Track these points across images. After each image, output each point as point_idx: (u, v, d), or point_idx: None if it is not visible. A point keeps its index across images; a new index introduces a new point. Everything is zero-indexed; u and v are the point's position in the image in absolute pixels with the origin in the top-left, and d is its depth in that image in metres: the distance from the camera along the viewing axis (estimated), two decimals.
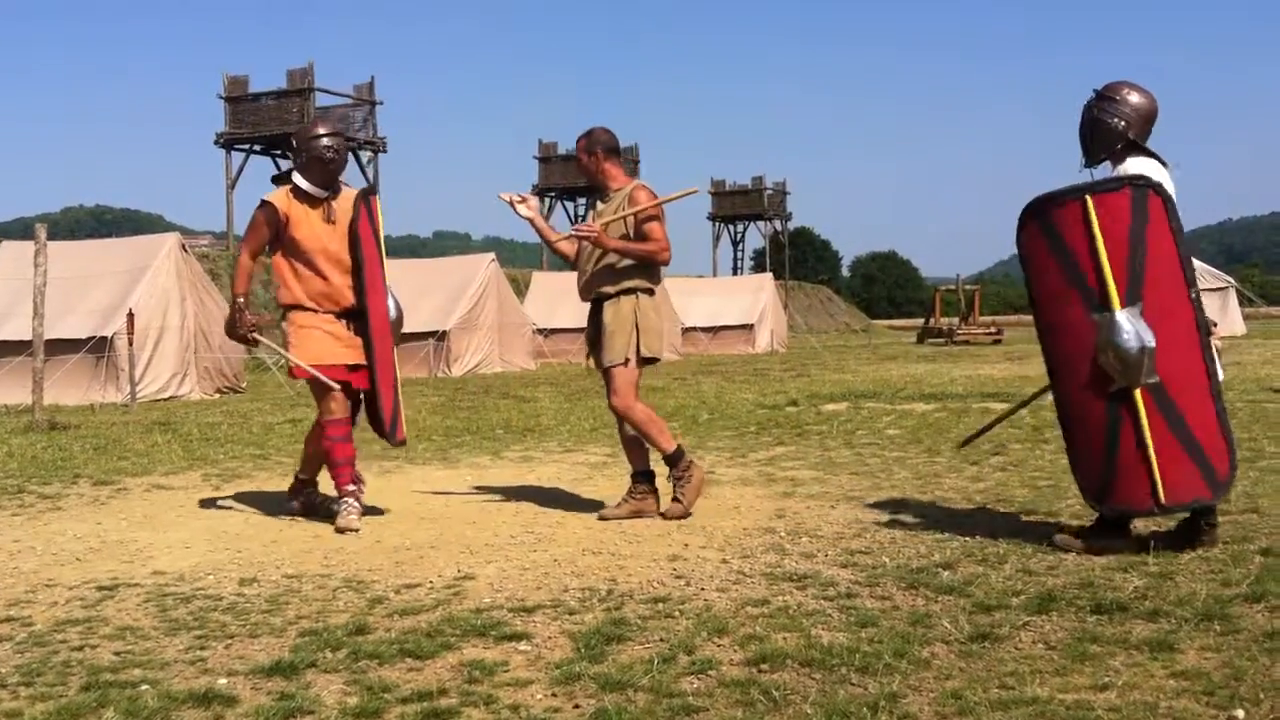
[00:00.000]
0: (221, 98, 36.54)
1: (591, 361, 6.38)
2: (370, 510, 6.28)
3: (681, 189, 6.35)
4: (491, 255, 25.99)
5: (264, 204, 6.33)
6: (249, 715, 3.19)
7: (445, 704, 3.25)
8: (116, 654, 3.80)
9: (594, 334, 6.21)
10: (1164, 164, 5.15)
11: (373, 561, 5.17)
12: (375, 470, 8.18)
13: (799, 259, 78.89)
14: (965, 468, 7.62)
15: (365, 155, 37.44)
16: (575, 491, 7.08)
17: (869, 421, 10.83)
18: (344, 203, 6.39)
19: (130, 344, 15.47)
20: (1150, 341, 4.79)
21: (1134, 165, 5.07)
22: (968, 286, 44.99)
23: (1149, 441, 4.81)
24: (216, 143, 36.72)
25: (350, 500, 6.13)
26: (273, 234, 6.28)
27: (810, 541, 5.37)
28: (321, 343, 6.23)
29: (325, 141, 6.33)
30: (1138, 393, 4.83)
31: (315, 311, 6.27)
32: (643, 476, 6.16)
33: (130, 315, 15.44)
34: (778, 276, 48.44)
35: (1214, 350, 4.96)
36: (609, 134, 6.30)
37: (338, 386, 6.18)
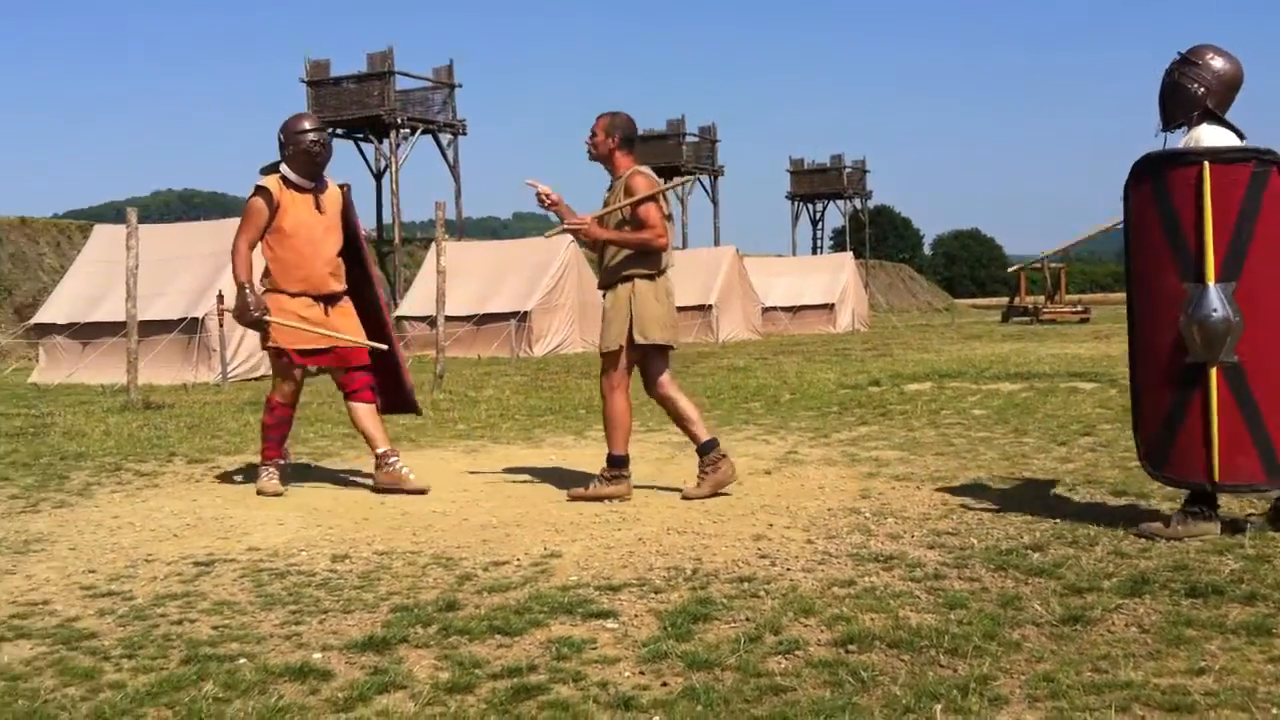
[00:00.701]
0: (304, 81, 36.95)
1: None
2: (455, 488, 6.37)
3: (678, 179, 6.28)
4: (570, 236, 26.06)
5: (259, 189, 6.62)
6: (344, 689, 3.26)
7: (535, 680, 3.29)
8: (214, 628, 3.90)
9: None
10: (1240, 135, 4.99)
11: (461, 539, 5.24)
12: (461, 449, 8.28)
13: (879, 237, 78.21)
14: (1054, 448, 7.52)
15: (445, 138, 37.70)
16: (658, 471, 7.11)
17: (954, 401, 10.72)
18: (331, 195, 6.75)
19: (220, 325, 15.79)
20: (1236, 319, 4.70)
21: (1207, 135, 4.93)
22: (1053, 265, 44.27)
23: (1214, 419, 4.74)
24: None
25: (269, 469, 6.64)
26: (268, 220, 6.57)
27: (896, 522, 5.35)
28: (295, 330, 6.56)
29: (311, 136, 6.61)
30: (1213, 370, 4.75)
31: (291, 296, 6.58)
32: (617, 461, 6.18)
33: (220, 296, 15.74)
34: (858, 255, 48.10)
35: None
36: (630, 122, 6.33)
37: (298, 378, 6.72)
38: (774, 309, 33.68)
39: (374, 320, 6.91)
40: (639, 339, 6.14)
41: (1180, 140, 5.00)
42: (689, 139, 50.42)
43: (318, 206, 6.64)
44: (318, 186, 6.70)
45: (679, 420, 6.34)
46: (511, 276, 24.17)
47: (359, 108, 35.97)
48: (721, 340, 27.61)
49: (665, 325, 6.21)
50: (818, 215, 64.76)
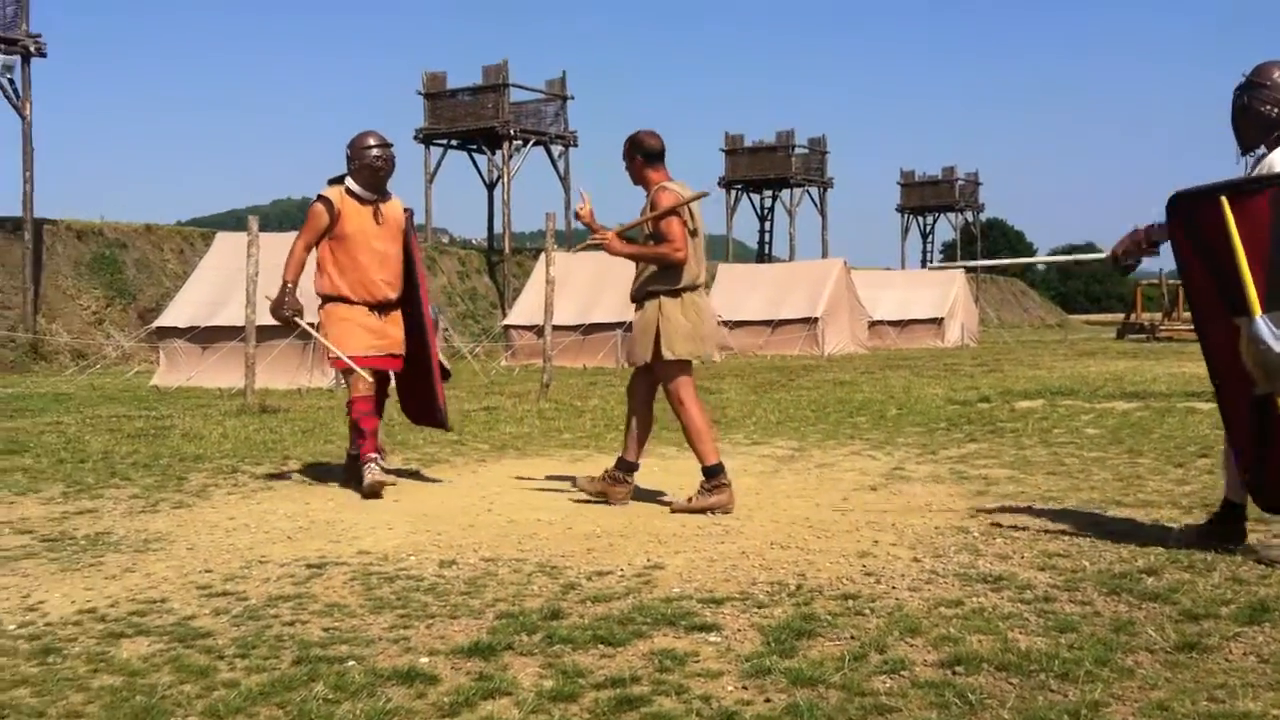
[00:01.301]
0: (420, 94, 37.62)
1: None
2: (559, 497, 6.42)
3: (697, 190, 6.36)
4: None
5: (321, 198, 7.02)
6: (450, 694, 3.30)
7: (638, 691, 3.30)
8: (325, 630, 3.98)
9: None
10: None
11: (565, 548, 5.27)
12: (566, 458, 8.34)
13: (991, 251, 76.94)
14: (1170, 470, 7.33)
15: (557, 149, 38.05)
16: (762, 484, 7.08)
17: (1066, 419, 10.51)
18: (393, 208, 7.12)
19: None
20: None
21: (1279, 160, 4.81)
22: (1171, 281, 43.14)
23: None
24: (416, 138, 37.83)
25: (373, 464, 6.76)
26: (327, 226, 6.93)
27: (1005, 542, 5.25)
28: (356, 335, 6.94)
29: (375, 151, 7.00)
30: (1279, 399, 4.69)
31: (351, 303, 6.96)
32: (713, 471, 6.19)
33: None
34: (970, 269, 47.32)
35: None
36: (652, 138, 6.41)
37: (370, 378, 6.90)
38: (881, 323, 33.33)
39: (418, 338, 7.21)
40: (666, 354, 6.22)
41: (1256, 166, 4.91)
42: (798, 151, 50.19)
43: (377, 218, 6.99)
44: (379, 199, 7.04)
45: (629, 429, 6.56)
46: (617, 286, 24.23)
47: (474, 120, 36.52)
48: (827, 353, 27.41)
49: (691, 339, 6.27)
50: (928, 228, 64.03)
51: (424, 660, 3.61)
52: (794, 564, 4.88)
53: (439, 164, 38.46)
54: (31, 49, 24.73)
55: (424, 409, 7.49)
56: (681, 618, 4.03)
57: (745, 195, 51.39)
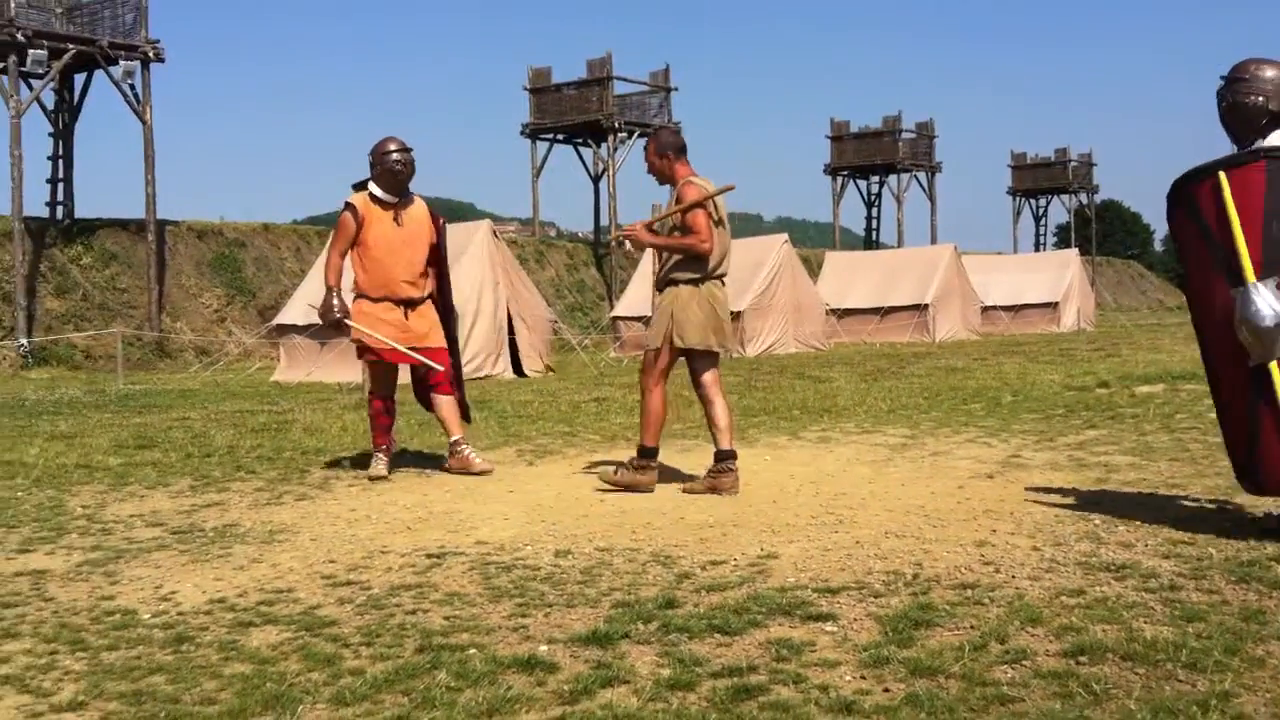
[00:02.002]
0: (526, 90, 37.96)
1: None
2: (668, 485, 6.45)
3: (721, 185, 6.54)
4: (784, 236, 26.00)
5: (347, 205, 7.39)
6: (569, 682, 3.34)
7: (755, 680, 3.30)
8: (446, 618, 4.06)
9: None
10: None
11: (678, 537, 5.30)
12: (676, 449, 8.36)
13: (1107, 233, 75.14)
14: None
15: None
16: (875, 473, 7.03)
17: (1189, 405, 10.23)
18: (415, 209, 7.48)
19: None
20: (1277, 314, 4.69)
21: (1277, 139, 4.90)
22: None
23: None
24: (522, 133, 38.20)
25: (379, 455, 7.38)
26: (355, 232, 7.33)
27: (1128, 530, 5.14)
28: (379, 329, 7.35)
29: (395, 156, 7.32)
30: (1274, 366, 4.75)
31: (375, 300, 7.36)
32: (647, 453, 6.54)
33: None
34: (1084, 252, 46.34)
35: None
36: (675, 135, 6.70)
37: (415, 355, 7.39)
38: (994, 308, 32.79)
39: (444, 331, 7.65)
40: (677, 342, 6.49)
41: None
42: (905, 135, 49.56)
43: (398, 220, 7.37)
44: (401, 202, 7.41)
45: (709, 422, 6.67)
46: (728, 275, 24.25)
47: (578, 113, 36.76)
48: (938, 340, 27.06)
49: (704, 330, 6.49)
50: (1040, 211, 62.76)
51: (543, 648, 3.66)
52: (910, 553, 4.84)
53: (545, 158, 38.80)
54: (150, 55, 25.52)
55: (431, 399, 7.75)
56: (797, 607, 4.02)
57: (852, 181, 50.89)
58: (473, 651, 3.64)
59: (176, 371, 22.87)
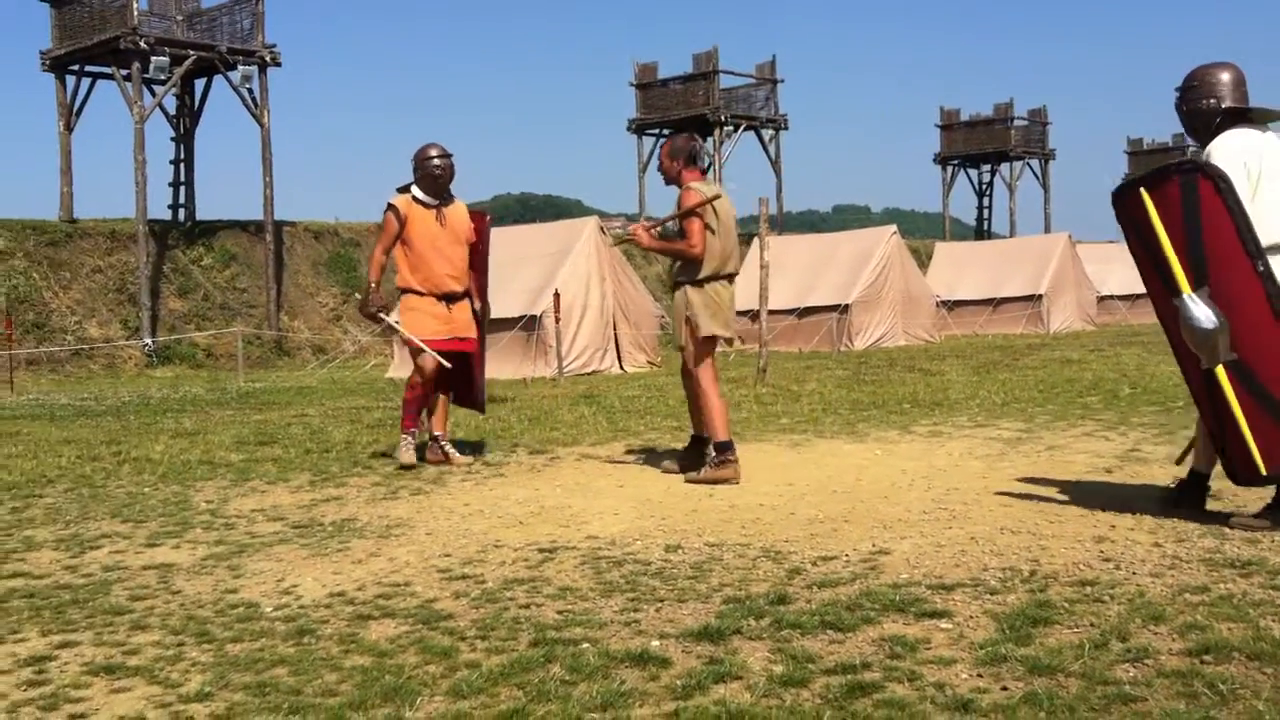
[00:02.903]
0: (632, 85, 38.06)
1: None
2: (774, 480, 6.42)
3: (709, 197, 6.78)
4: (893, 228, 25.71)
5: (390, 206, 7.85)
6: (682, 677, 3.35)
7: (869, 678, 3.28)
8: (559, 612, 4.10)
9: None
10: (1269, 119, 5.22)
11: (789, 533, 5.28)
12: (785, 443, 8.33)
13: None
14: None
15: (768, 133, 37.93)
16: (988, 468, 6.92)
17: None
18: (456, 211, 7.93)
19: (557, 322, 16.50)
20: (1219, 321, 4.90)
21: (1222, 141, 5.11)
22: None
23: (1240, 417, 4.95)
24: (628, 128, 38.31)
25: (407, 439, 7.78)
26: (398, 231, 7.78)
27: None
28: (425, 322, 7.84)
29: (435, 161, 7.82)
30: (1220, 370, 4.96)
31: (421, 295, 7.84)
32: (723, 447, 6.77)
33: (556, 295, 16.45)
34: None
35: None
36: (688, 141, 7.09)
37: (439, 359, 7.71)
38: (1110, 298, 32.02)
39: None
40: (702, 333, 6.84)
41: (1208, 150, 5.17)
42: (1018, 123, 48.59)
43: (440, 220, 7.82)
44: (442, 203, 7.87)
45: (694, 410, 7.10)
46: (832, 270, 24.08)
47: (685, 108, 36.74)
48: (1053, 331, 26.54)
49: (716, 318, 6.86)
50: None
51: (655, 643, 3.67)
52: (1026, 549, 4.76)
53: (652, 153, 38.81)
54: (268, 59, 26.13)
55: (463, 392, 8.29)
56: (911, 604, 3.98)
57: (962, 170, 50.05)
58: (586, 646, 3.67)
59: (295, 369, 23.41)
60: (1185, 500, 5.43)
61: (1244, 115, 5.22)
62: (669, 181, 7.09)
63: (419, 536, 5.50)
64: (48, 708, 3.33)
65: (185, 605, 4.41)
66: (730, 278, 6.96)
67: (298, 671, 3.55)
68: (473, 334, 8.04)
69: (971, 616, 3.84)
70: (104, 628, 4.12)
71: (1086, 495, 5.86)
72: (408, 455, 7.71)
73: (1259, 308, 4.88)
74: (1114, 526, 5.11)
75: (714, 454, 6.80)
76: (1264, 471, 4.97)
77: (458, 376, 8.00)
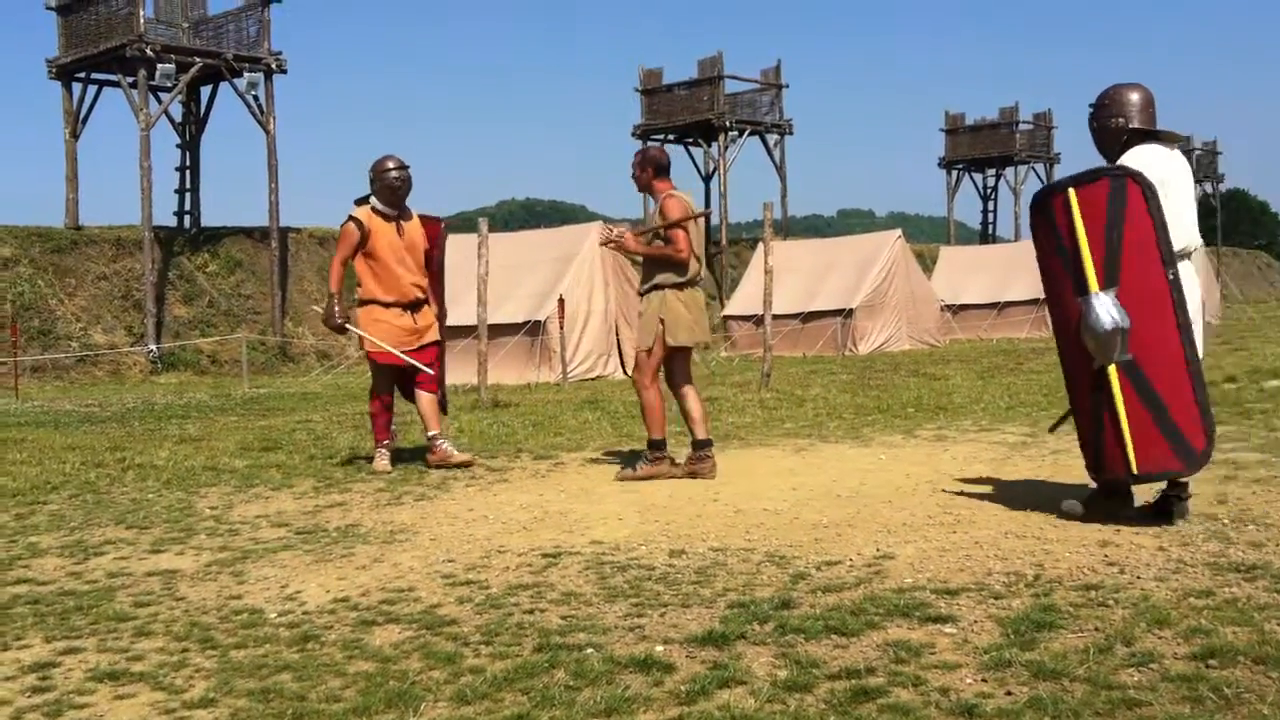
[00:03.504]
0: (638, 90, 38.09)
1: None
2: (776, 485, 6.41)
3: (696, 210, 7.20)
4: (898, 232, 25.70)
5: (351, 218, 7.96)
6: (686, 682, 3.35)
7: (873, 683, 3.28)
8: (563, 618, 4.09)
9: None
10: (1175, 142, 5.52)
11: (792, 537, 5.27)
12: (790, 448, 8.32)
13: (1233, 223, 72.81)
14: None
15: (772, 138, 37.93)
16: (993, 472, 6.91)
17: None
18: (412, 222, 8.13)
19: (561, 327, 16.50)
20: (1123, 322, 5.12)
21: (1132, 156, 5.32)
22: None
23: (1122, 415, 5.16)
24: (634, 134, 38.32)
25: (382, 450, 7.99)
26: (359, 242, 7.90)
27: (1257, 530, 4.99)
28: (393, 334, 7.97)
29: (393, 173, 7.96)
30: (1112, 369, 5.17)
31: (385, 305, 7.96)
32: (656, 444, 7.15)
33: (561, 301, 16.46)
34: (1209, 242, 44.94)
35: (1196, 329, 5.19)
36: (660, 152, 7.44)
37: (418, 365, 7.99)
38: None
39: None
40: (670, 341, 7.09)
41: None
42: (1023, 127, 48.58)
43: (399, 232, 8.00)
44: (400, 215, 8.05)
45: (686, 415, 7.25)
46: (836, 274, 24.06)
47: (690, 113, 36.78)
48: None
49: (692, 328, 7.15)
50: None
51: (659, 648, 3.67)
52: (1031, 554, 4.75)
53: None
54: (273, 66, 26.17)
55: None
56: (915, 608, 3.98)
57: (967, 175, 50.05)
58: (590, 651, 3.67)
59: (299, 375, 23.43)
60: (1115, 501, 5.48)
61: (1151, 135, 5.45)
62: (640, 189, 7.41)
63: (423, 542, 5.50)
64: (52, 714, 3.33)
65: (189, 611, 4.41)
66: (699, 284, 7.30)
67: (302, 677, 3.55)
68: (434, 337, 8.27)
69: (976, 621, 3.83)
70: (108, 634, 4.12)
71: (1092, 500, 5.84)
72: (383, 464, 7.91)
73: (1163, 314, 5.11)
74: (1118, 530, 5.10)
75: (650, 451, 7.20)
76: (1135, 471, 5.17)
77: (411, 382, 8.16)
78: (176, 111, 27.80)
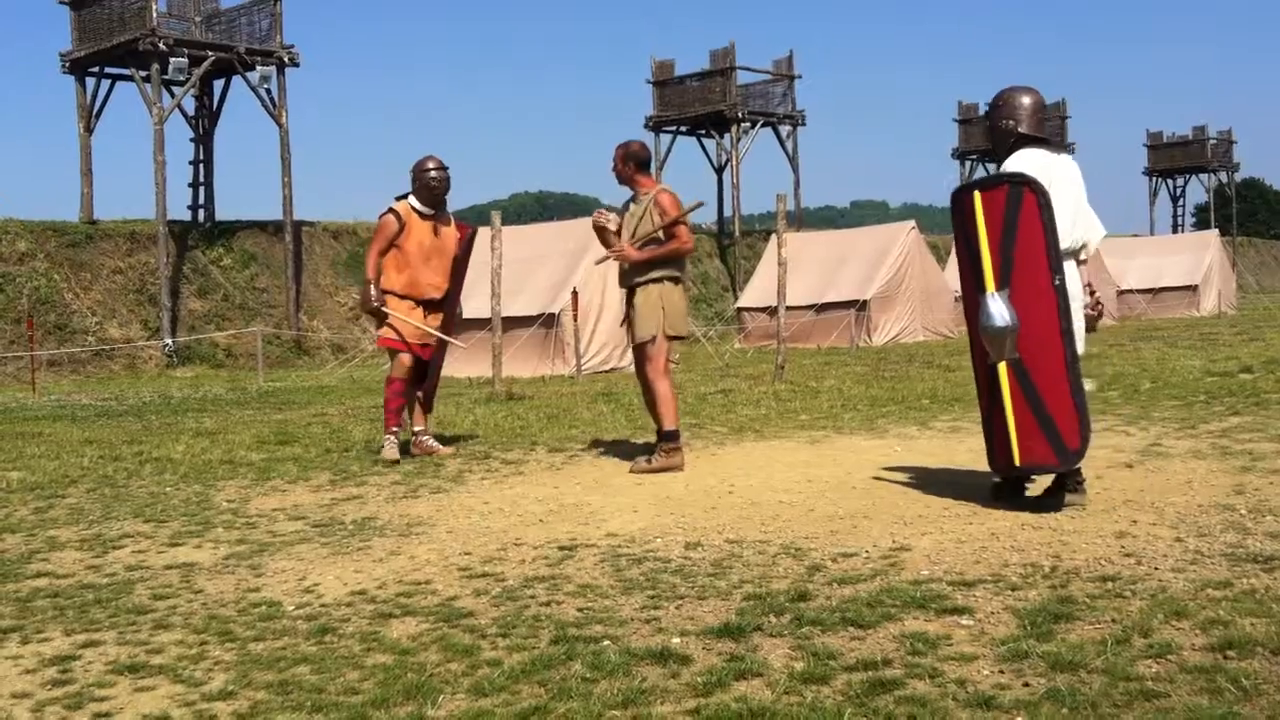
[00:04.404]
0: (650, 82, 38.05)
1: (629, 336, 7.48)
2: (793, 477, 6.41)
3: (692, 202, 7.57)
4: (911, 223, 25.65)
5: (390, 211, 8.15)
6: (702, 674, 3.35)
7: (890, 674, 3.28)
8: (579, 610, 4.10)
9: (630, 315, 7.40)
10: (1061, 148, 5.74)
11: (808, 529, 5.27)
12: (804, 439, 8.32)
13: (1248, 213, 72.46)
14: None
15: (785, 129, 37.86)
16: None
17: None
18: (449, 225, 8.30)
19: (575, 320, 16.51)
20: (1012, 322, 5.40)
21: (1015, 159, 5.60)
22: None
23: (1009, 410, 5.46)
24: (646, 126, 38.29)
25: (391, 438, 8.05)
26: (395, 235, 8.06)
27: (1276, 520, 4.97)
28: (405, 327, 8.13)
29: (433, 173, 8.13)
30: (1001, 366, 5.48)
31: (402, 299, 8.14)
32: (672, 436, 7.20)
33: (575, 293, 16.46)
34: (1224, 233, 44.71)
35: (1078, 332, 5.47)
36: (642, 147, 7.56)
37: (438, 334, 8.23)
38: (1130, 292, 31.89)
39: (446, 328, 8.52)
40: (669, 332, 7.28)
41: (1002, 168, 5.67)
42: None
43: (436, 231, 8.18)
44: (438, 216, 8.22)
45: (651, 404, 7.36)
46: (850, 266, 24.02)
47: (702, 104, 36.73)
48: None
49: (685, 319, 7.49)
50: (1178, 191, 60.64)
51: (676, 641, 3.68)
52: (1047, 545, 4.74)
53: (669, 150, 38.83)
54: (286, 59, 26.22)
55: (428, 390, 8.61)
56: (932, 600, 3.98)
57: (981, 165, 49.87)
58: (606, 643, 3.68)
59: (314, 368, 23.48)
60: (1005, 491, 5.70)
61: (1038, 140, 5.71)
62: (621, 183, 7.53)
63: (439, 535, 5.52)
64: (72, 706, 3.36)
65: (207, 604, 4.43)
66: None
67: (320, 670, 3.57)
68: (445, 335, 8.43)
69: (993, 613, 3.83)
70: (127, 627, 4.14)
71: (1108, 490, 5.84)
72: (391, 452, 7.96)
73: (1048, 317, 5.36)
74: (1135, 521, 5.09)
75: (663, 443, 7.22)
76: (1018, 464, 5.47)
77: (419, 378, 8.35)
78: (189, 105, 27.85)
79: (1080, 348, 5.52)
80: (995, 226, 5.49)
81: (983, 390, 5.74)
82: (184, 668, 3.65)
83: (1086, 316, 5.79)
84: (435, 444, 8.31)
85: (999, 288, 5.47)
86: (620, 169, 7.48)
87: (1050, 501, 5.47)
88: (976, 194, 5.58)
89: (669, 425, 7.22)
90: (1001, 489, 5.70)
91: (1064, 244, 5.48)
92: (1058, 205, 5.45)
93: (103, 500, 6.88)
